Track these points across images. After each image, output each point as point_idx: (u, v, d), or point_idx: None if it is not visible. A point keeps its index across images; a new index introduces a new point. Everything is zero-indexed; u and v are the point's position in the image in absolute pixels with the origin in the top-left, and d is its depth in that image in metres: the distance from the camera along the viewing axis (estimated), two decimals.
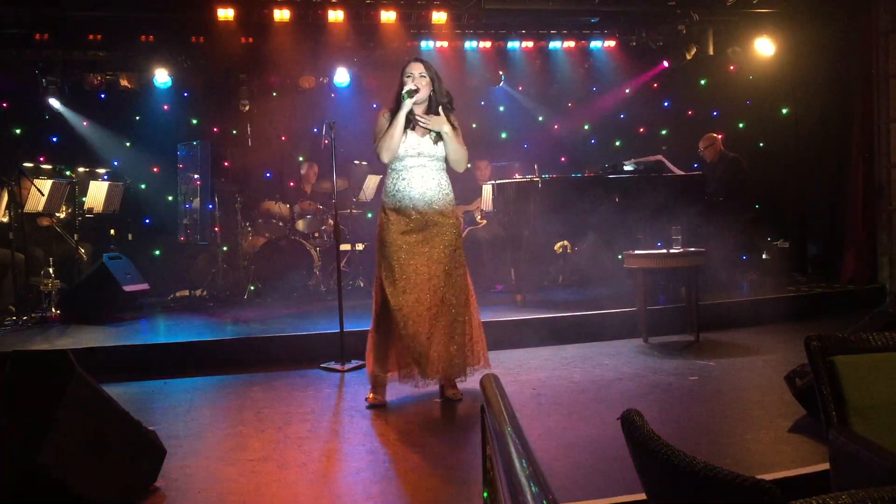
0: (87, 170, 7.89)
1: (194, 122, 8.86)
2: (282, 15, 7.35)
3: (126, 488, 2.88)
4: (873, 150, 7.35)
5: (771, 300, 6.56)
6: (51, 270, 6.59)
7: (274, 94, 8.80)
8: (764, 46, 8.23)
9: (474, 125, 9.42)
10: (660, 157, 7.29)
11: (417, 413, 4.13)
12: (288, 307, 7.20)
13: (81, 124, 8.46)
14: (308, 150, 8.85)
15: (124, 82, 8.17)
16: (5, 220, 6.70)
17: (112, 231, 8.03)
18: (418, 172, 4.10)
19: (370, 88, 8.86)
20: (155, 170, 8.70)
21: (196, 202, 7.84)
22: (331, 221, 7.76)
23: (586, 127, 9.54)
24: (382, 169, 4.38)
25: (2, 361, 2.82)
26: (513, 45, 8.59)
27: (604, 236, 7.52)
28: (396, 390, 4.27)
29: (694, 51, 8.24)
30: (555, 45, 8.66)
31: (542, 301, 6.84)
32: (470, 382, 4.20)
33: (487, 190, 7.31)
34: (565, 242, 8.00)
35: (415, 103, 4.08)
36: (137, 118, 8.63)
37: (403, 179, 4.10)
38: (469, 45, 8.50)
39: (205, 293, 7.68)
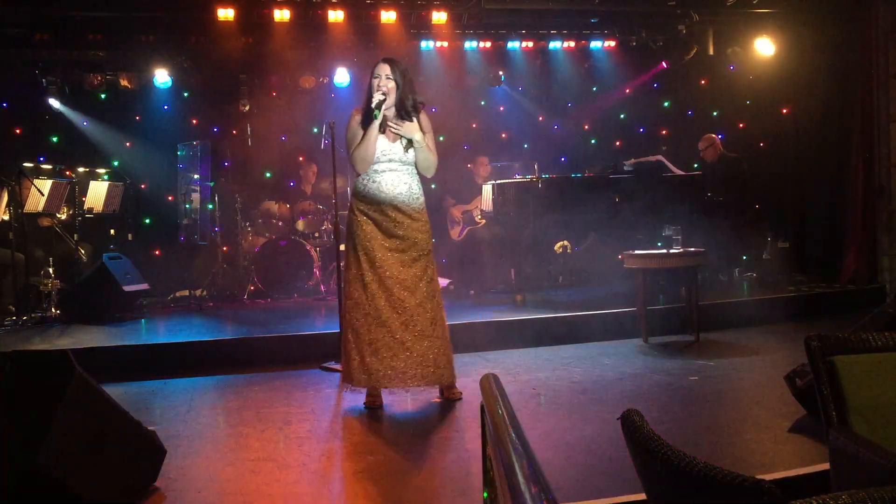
0: (87, 170, 7.89)
1: (194, 122, 8.86)
2: (282, 15, 7.35)
3: (126, 488, 2.88)
4: (873, 150, 7.35)
5: (771, 300, 6.56)
6: (51, 270, 6.59)
7: (274, 94, 8.79)
8: (764, 46, 8.22)
9: (474, 125, 9.43)
10: (660, 157, 7.29)
11: (417, 413, 4.13)
12: (288, 307, 7.20)
13: (81, 124, 8.46)
14: (308, 150, 8.85)
15: (124, 82, 8.17)
16: (6, 217, 6.69)
17: (112, 231, 8.04)
18: (388, 176, 4.08)
19: None
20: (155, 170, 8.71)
21: (196, 202, 7.84)
22: (330, 225, 7.75)
23: (586, 127, 9.54)
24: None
25: (2, 361, 2.82)
26: (513, 45, 8.59)
27: (604, 236, 7.52)
28: (396, 391, 4.26)
29: (694, 51, 8.24)
30: (555, 45, 8.66)
31: (542, 301, 6.84)
32: (470, 382, 4.20)
33: (487, 190, 7.31)
34: (565, 242, 8.00)
35: (385, 108, 4.07)
36: (137, 118, 8.62)
37: (374, 182, 4.08)
38: (469, 45, 8.49)
39: (205, 293, 7.68)
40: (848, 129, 7.61)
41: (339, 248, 5.51)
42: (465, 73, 8.75)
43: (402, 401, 4.27)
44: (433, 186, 8.91)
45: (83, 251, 7.17)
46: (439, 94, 8.74)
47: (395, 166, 4.10)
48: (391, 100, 4.09)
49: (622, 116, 9.63)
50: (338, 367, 5.05)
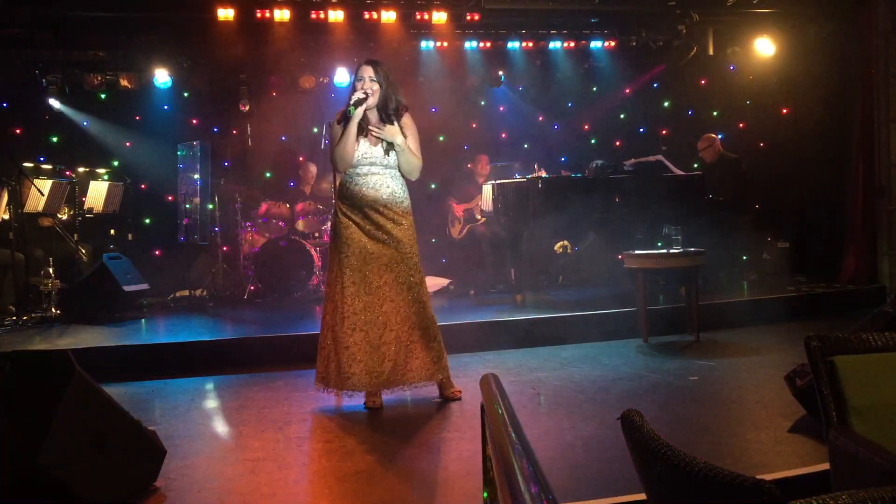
0: (87, 170, 7.89)
1: (194, 122, 8.86)
2: (282, 15, 7.35)
3: (126, 488, 2.88)
4: (873, 150, 7.35)
5: (771, 300, 6.56)
6: (51, 270, 6.59)
7: (274, 94, 8.79)
8: (764, 46, 8.23)
9: (474, 125, 9.43)
10: (660, 157, 7.29)
11: (417, 413, 4.12)
12: (288, 307, 7.20)
13: (82, 124, 8.47)
14: (308, 150, 8.85)
15: (124, 82, 8.16)
16: (6, 216, 6.69)
17: (112, 231, 8.03)
18: (370, 179, 4.07)
19: None
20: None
21: (196, 202, 7.84)
22: (330, 225, 7.75)
23: (586, 127, 9.54)
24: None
25: (2, 361, 2.82)
26: (513, 45, 8.58)
27: (603, 236, 7.52)
28: (396, 391, 4.26)
29: (694, 51, 8.23)
30: (555, 45, 8.65)
31: (542, 301, 6.84)
32: (470, 382, 4.20)
33: (487, 190, 7.31)
34: (565, 242, 8.01)
35: (366, 109, 4.06)
36: (137, 118, 8.61)
37: (356, 185, 4.08)
38: (469, 45, 8.49)
39: (205, 293, 7.68)
40: (848, 129, 7.60)
41: None
42: (465, 73, 8.75)
43: (402, 401, 4.27)
44: (433, 186, 8.95)
45: (83, 251, 7.17)
46: (439, 94, 8.75)
47: (376, 169, 4.09)
48: (373, 101, 4.07)
49: (622, 116, 9.63)
50: None
